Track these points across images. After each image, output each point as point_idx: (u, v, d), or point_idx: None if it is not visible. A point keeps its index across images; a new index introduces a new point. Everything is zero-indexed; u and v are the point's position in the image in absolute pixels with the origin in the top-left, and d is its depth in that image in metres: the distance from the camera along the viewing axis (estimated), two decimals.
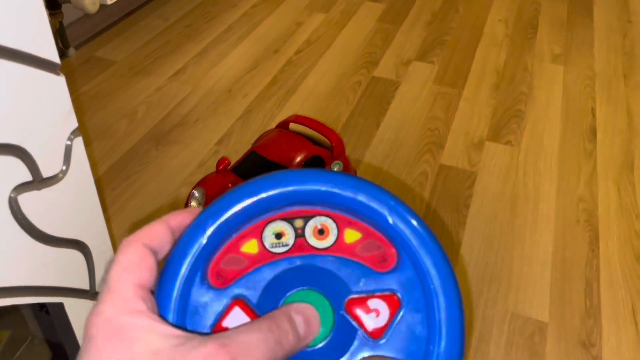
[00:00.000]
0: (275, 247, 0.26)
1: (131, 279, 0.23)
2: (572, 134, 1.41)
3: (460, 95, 1.54)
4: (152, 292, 0.25)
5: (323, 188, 0.25)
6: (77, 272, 0.59)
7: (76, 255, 0.58)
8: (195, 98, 1.48)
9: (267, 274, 0.25)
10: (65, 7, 1.42)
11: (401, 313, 0.25)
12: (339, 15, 1.89)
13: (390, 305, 0.25)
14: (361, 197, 0.25)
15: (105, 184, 1.20)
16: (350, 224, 0.26)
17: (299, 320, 0.24)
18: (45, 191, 0.51)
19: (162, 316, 0.25)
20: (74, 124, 0.52)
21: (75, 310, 0.61)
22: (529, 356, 0.90)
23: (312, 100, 1.50)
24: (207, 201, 1.00)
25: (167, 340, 0.22)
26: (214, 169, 1.11)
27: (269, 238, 0.26)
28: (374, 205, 0.25)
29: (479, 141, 1.38)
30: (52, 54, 0.46)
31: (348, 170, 1.11)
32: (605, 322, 0.96)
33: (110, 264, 0.24)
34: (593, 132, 1.42)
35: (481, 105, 1.51)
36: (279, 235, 0.26)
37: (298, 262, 0.26)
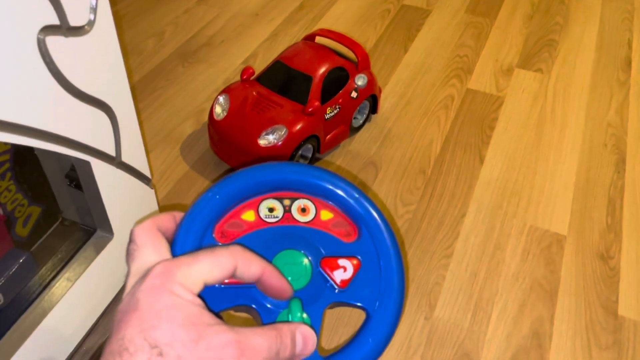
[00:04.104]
0: (268, 217, 0.33)
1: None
2: (606, 64, 1.37)
3: (492, 25, 1.50)
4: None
5: (311, 180, 0.33)
6: (104, 135, 0.61)
7: (103, 118, 0.60)
8: (221, 21, 1.48)
9: (261, 237, 0.33)
10: None
11: (362, 271, 0.33)
12: None
13: (354, 265, 0.33)
14: (339, 191, 0.34)
15: (133, 96, 1.22)
16: (325, 207, 0.34)
17: (299, 339, 0.29)
18: (72, 40, 0.52)
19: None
20: None
21: (102, 174, 0.63)
22: (545, 264, 0.91)
23: (339, 25, 1.48)
24: (232, 107, 1.01)
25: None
26: None
27: (263, 210, 0.33)
28: (345, 196, 0.34)
29: (508, 68, 1.35)
30: None
31: (373, 85, 1.11)
32: (626, 237, 0.95)
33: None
34: (628, 62, 1.38)
35: (513, 34, 1.47)
36: (271, 209, 0.33)
37: (285, 230, 0.33)
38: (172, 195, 1.01)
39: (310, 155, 1.05)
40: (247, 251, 0.29)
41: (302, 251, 0.33)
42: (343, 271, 0.32)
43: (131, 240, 0.29)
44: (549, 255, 0.92)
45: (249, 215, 0.33)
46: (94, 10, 0.53)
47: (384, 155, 1.10)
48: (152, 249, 0.29)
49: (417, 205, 1.00)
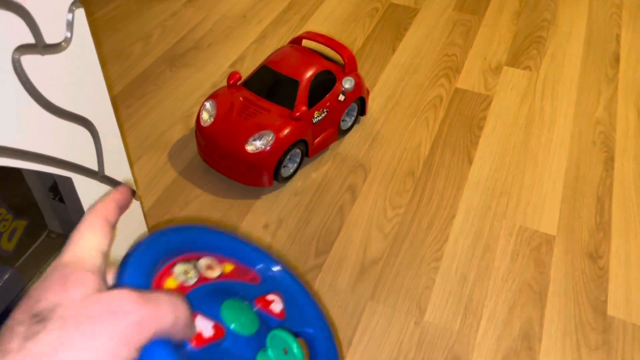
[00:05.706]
0: (188, 280, 0.32)
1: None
2: (594, 60, 1.37)
3: (480, 22, 1.50)
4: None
5: (192, 238, 0.34)
6: (85, 150, 0.61)
7: (84, 133, 0.60)
8: (209, 23, 1.47)
9: (192, 298, 0.31)
10: None
11: (285, 301, 0.35)
12: None
13: (279, 296, 0.34)
14: (230, 245, 0.35)
15: (120, 102, 1.21)
16: (224, 261, 0.35)
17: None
18: (49, 58, 0.51)
19: None
20: None
21: (85, 188, 0.62)
22: (535, 265, 0.91)
23: (328, 25, 1.47)
24: (218, 113, 1.01)
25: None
26: None
27: (180, 276, 0.32)
28: (225, 247, 0.35)
29: (497, 66, 1.35)
30: None
31: (360, 87, 1.11)
32: (615, 237, 0.96)
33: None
34: (616, 58, 1.38)
35: (501, 32, 1.47)
36: (186, 272, 0.33)
37: (208, 288, 0.33)
38: (160, 202, 1.01)
39: (298, 159, 1.04)
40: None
41: (237, 298, 0.33)
42: (275, 303, 0.34)
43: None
44: (538, 256, 0.92)
45: (170, 283, 0.32)
46: (70, 26, 0.52)
47: (372, 158, 1.10)
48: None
49: (406, 208, 1.00)
